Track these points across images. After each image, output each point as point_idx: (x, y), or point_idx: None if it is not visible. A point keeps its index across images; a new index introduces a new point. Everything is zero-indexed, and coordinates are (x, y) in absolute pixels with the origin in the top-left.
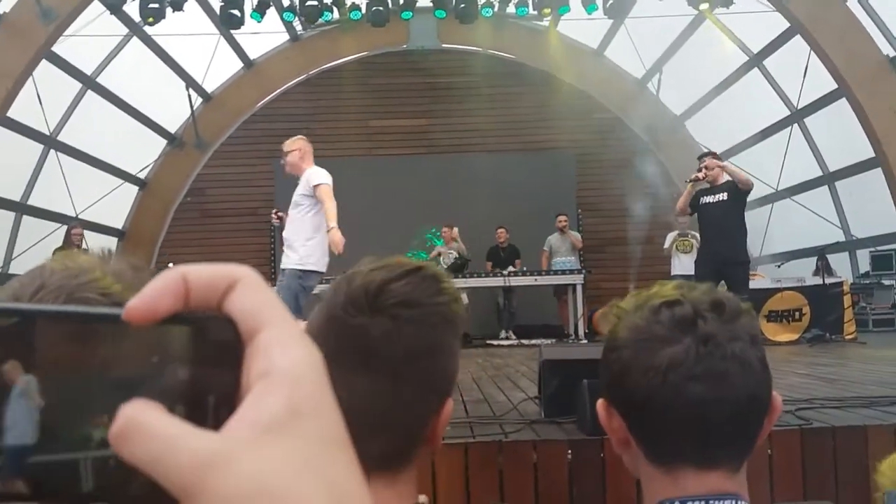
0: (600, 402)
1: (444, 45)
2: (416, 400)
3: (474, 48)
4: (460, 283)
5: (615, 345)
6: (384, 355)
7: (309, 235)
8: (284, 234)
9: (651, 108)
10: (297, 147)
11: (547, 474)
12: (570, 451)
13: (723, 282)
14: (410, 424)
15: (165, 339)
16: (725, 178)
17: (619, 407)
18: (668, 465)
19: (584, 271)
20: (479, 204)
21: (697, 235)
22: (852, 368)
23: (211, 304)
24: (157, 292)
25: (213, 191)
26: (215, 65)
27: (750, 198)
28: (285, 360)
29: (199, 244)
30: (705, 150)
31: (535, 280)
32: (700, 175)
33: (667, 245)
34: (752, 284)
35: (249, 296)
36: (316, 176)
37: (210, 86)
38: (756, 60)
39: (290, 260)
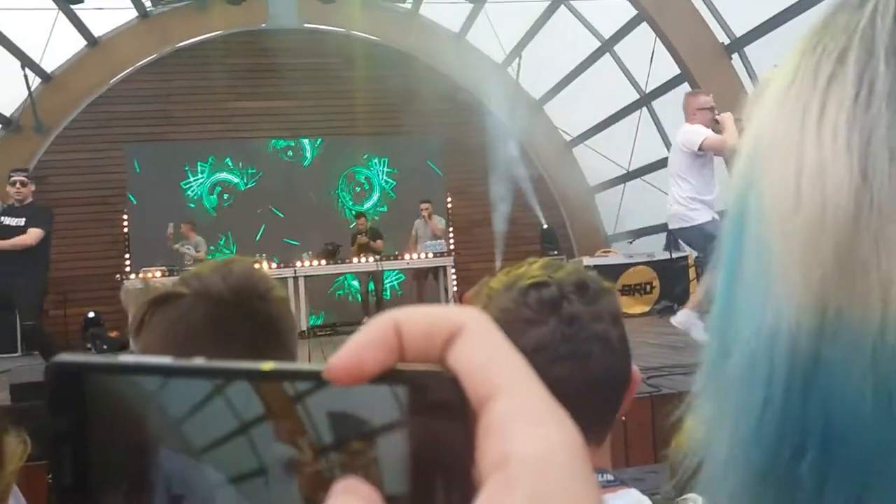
0: None
1: (305, 25)
2: None
3: (337, 29)
4: (332, 268)
5: None
6: (287, 329)
7: None
8: None
9: (511, 92)
10: None
11: None
12: None
13: None
14: None
15: (376, 401)
16: None
17: None
18: None
19: (452, 254)
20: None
21: None
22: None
23: (429, 358)
24: (365, 345)
25: (56, 178)
26: (55, 42)
27: (606, 178)
28: (528, 444)
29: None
30: None
31: (407, 264)
32: None
33: None
34: (607, 261)
35: (478, 348)
36: None
37: (49, 65)
38: (607, 46)
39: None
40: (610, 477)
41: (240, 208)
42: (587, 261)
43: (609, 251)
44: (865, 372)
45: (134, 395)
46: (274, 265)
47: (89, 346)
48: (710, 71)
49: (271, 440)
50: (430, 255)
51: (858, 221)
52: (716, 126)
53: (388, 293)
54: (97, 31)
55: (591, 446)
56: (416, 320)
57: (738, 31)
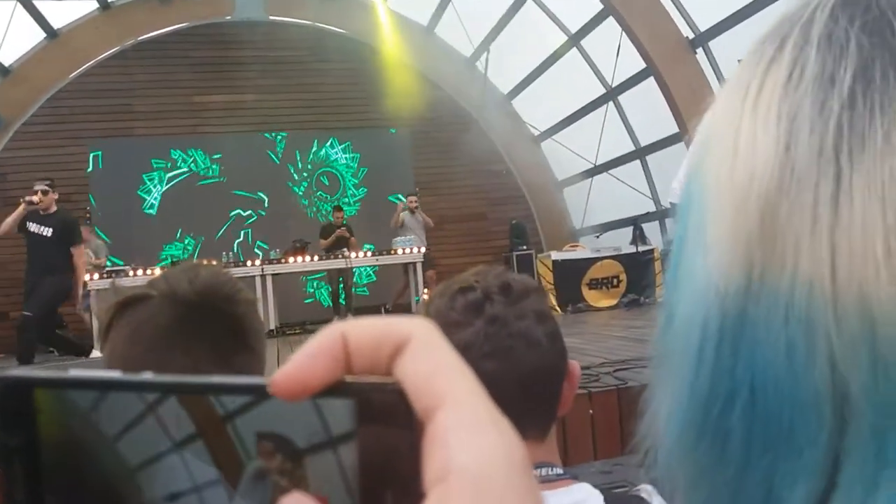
0: None
1: (271, 18)
2: None
3: (304, 21)
4: (300, 266)
5: None
6: (254, 331)
7: None
8: None
9: (480, 86)
10: None
11: None
12: None
13: None
14: None
15: (322, 414)
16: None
17: None
18: None
19: (422, 249)
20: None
21: None
22: None
23: (376, 369)
24: (310, 358)
25: (16, 175)
26: (13, 35)
27: (572, 173)
28: (468, 456)
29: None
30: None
31: (377, 260)
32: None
33: None
34: (575, 255)
35: (424, 359)
36: None
37: (7, 58)
38: (574, 40)
39: None
40: (559, 471)
41: (204, 204)
42: (555, 255)
43: (577, 245)
44: (780, 330)
45: (84, 408)
46: (239, 262)
47: (51, 348)
48: (674, 65)
49: (215, 455)
50: (407, 250)
51: (780, 190)
52: None
53: (366, 289)
54: (57, 24)
55: (532, 441)
56: (363, 332)
57: (703, 26)
